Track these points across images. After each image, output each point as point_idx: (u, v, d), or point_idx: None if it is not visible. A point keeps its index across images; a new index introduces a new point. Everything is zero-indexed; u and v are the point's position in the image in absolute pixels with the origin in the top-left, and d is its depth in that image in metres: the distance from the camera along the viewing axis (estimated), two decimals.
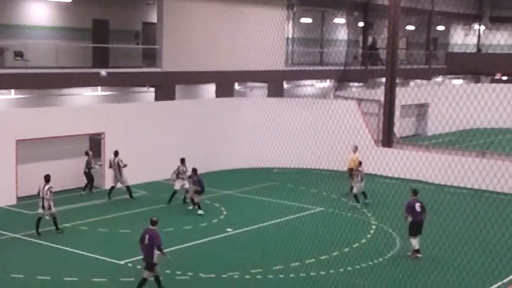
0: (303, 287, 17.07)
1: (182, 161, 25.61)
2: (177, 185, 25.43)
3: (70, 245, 19.86)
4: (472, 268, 18.01)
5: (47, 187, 21.11)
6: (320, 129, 30.93)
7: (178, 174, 25.46)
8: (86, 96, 31.37)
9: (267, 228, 22.46)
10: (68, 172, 27.00)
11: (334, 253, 19.59)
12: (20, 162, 25.05)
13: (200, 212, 23.93)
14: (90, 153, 26.90)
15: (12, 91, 28.30)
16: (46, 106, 28.03)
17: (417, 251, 19.34)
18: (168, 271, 17.67)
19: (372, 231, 22.32)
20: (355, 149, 28.36)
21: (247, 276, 17.58)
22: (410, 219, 19.50)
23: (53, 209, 21.19)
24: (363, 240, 21.18)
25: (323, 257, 19.20)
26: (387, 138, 33.10)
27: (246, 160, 31.63)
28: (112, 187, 26.19)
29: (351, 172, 27.27)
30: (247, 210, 24.73)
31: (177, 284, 17.06)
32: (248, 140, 30.73)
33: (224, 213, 24.36)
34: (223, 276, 17.57)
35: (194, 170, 24.41)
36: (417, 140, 40.51)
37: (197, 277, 17.46)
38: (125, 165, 26.05)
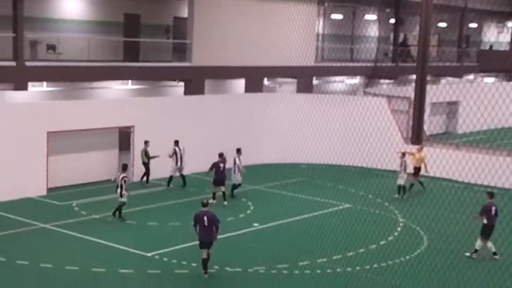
0: (329, 284, 17.05)
1: (238, 151, 26.22)
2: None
3: (99, 236, 20.06)
4: (501, 267, 17.81)
5: (121, 175, 21.89)
6: (349, 126, 30.75)
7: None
8: (116, 89, 31.64)
9: (294, 223, 22.45)
10: (97, 165, 27.27)
11: (361, 250, 19.52)
12: (50, 154, 25.36)
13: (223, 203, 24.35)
14: (148, 142, 27.23)
15: (44, 83, 28.66)
16: (77, 99, 28.38)
17: (476, 251, 19.37)
18: (194, 264, 17.76)
19: (399, 229, 22.19)
20: (421, 148, 28.57)
21: (273, 271, 17.60)
22: (485, 221, 19.44)
23: (124, 198, 21.92)
24: (390, 238, 21.06)
25: (349, 254, 19.14)
26: (417, 136, 32.82)
27: (274, 155, 31.64)
28: (171, 177, 26.94)
29: (417, 171, 27.66)
30: (274, 205, 24.72)
31: (202, 276, 17.11)
32: (277, 135, 30.70)
33: (251, 207, 24.40)
34: (249, 270, 17.61)
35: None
36: (447, 138, 40.10)
37: (223, 271, 17.53)
38: (156, 156, 26.56)
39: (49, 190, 25.30)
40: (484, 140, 38.44)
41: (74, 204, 23.85)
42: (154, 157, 27.06)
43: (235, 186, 25.90)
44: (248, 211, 23.93)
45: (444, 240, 20.55)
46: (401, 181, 26.63)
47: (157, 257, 18.48)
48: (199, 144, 28.91)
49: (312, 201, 25.41)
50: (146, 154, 27.19)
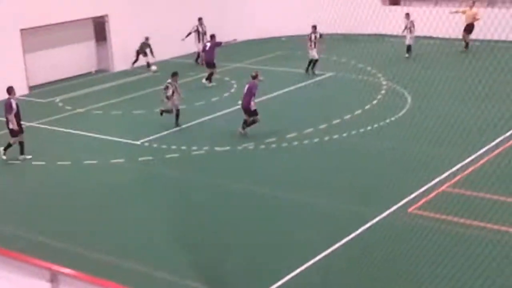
0: (317, 152, 17.38)
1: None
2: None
3: (86, 129, 20.15)
4: (478, 121, 18.09)
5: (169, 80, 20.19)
6: None
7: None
8: None
9: (277, 97, 22.57)
10: (75, 58, 26.98)
11: (346, 117, 19.75)
12: (26, 51, 24.98)
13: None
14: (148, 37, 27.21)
15: None
16: None
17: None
18: (183, 147, 18.00)
19: (383, 92, 22.35)
20: (472, 4, 28.18)
21: (261, 146, 17.88)
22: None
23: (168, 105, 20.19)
24: (375, 101, 21.26)
25: (335, 121, 19.38)
26: None
27: (249, 31, 31.22)
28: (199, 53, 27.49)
29: (470, 28, 27.62)
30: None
31: (193, 158, 17.41)
32: (254, 10, 30.25)
33: (235, 86, 24.41)
34: (238, 148, 17.88)
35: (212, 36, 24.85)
36: None
37: (212, 151, 17.79)
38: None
39: (31, 88, 25.18)
40: None
41: (57, 100, 23.80)
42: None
43: (312, 62, 25.48)
44: (232, 90, 23.96)
45: (428, 98, 20.72)
46: (409, 42, 27.03)
47: (146, 144, 18.67)
48: (179, 27, 28.45)
49: (295, 73, 25.41)
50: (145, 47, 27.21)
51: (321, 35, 25.07)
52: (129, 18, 27.50)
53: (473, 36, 28.11)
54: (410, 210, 13.58)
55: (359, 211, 13.51)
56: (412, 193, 14.18)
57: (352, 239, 12.51)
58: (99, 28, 27.84)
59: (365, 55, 26.82)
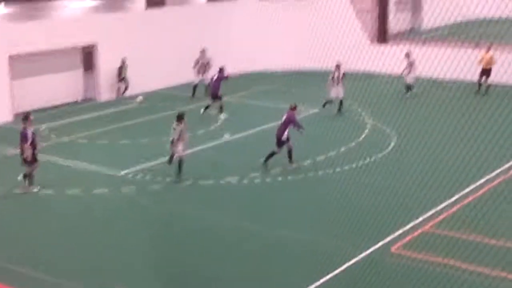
0: (302, 188, 17.35)
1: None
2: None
3: (71, 158, 20.03)
4: (462, 162, 18.14)
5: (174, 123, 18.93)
6: (312, 29, 30.43)
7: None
8: (75, 8, 30.75)
9: (263, 132, 22.57)
10: (62, 86, 26.92)
11: (331, 154, 19.77)
12: (14, 78, 24.91)
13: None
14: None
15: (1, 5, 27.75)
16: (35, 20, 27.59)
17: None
18: (168, 179, 17.91)
19: (367, 130, 22.43)
20: (488, 48, 27.81)
21: (245, 181, 17.82)
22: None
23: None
24: (359, 139, 21.32)
25: (320, 158, 19.38)
26: (382, 35, 32.71)
27: (240, 65, 31.34)
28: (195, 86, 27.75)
29: (488, 73, 27.31)
30: (244, 116, 24.79)
31: (177, 191, 17.32)
32: (243, 44, 30.42)
33: (221, 119, 24.39)
34: (221, 182, 17.80)
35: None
36: (413, 35, 39.96)
37: (196, 184, 17.71)
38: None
39: (16, 115, 25.00)
40: (450, 34, 38.43)
41: (42, 128, 23.64)
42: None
43: (339, 102, 24.95)
44: (218, 123, 23.95)
45: (414, 137, 20.78)
46: (409, 81, 27.21)
47: (130, 175, 18.55)
48: (165, 57, 28.57)
49: (278, 109, 25.36)
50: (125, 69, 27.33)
51: (344, 74, 24.91)
52: (118, 47, 27.54)
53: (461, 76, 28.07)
54: (393, 249, 13.54)
55: (342, 248, 13.44)
56: (395, 231, 14.16)
57: (335, 275, 12.44)
58: (87, 57, 27.84)
59: (352, 92, 26.97)
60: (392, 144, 20.68)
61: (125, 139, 22.06)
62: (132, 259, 13.52)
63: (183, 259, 13.46)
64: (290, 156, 18.75)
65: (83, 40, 27.08)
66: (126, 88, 27.94)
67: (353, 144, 20.75)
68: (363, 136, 21.72)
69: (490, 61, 27.46)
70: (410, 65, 27.07)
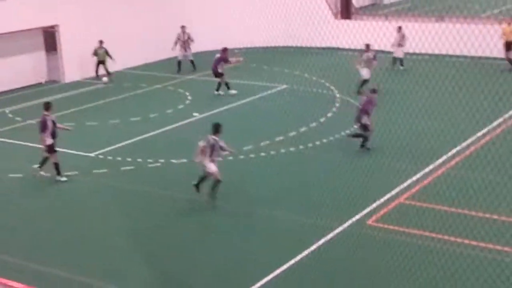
0: (274, 164, 17.36)
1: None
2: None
3: (38, 141, 19.59)
4: (435, 134, 18.40)
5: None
6: (277, 4, 30.35)
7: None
8: None
9: (233, 109, 22.53)
10: (25, 68, 26.42)
11: (302, 129, 19.81)
12: None
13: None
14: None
15: None
16: None
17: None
18: (139, 160, 17.77)
19: (337, 105, 22.52)
20: (511, 21, 27.03)
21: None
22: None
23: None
24: (329, 114, 21.40)
25: (291, 134, 19.41)
26: (346, 10, 32.77)
27: (206, 43, 31.12)
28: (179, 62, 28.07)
29: (509, 46, 26.51)
30: (211, 94, 24.65)
31: (150, 171, 17.20)
32: (208, 22, 30.20)
33: (189, 98, 24.27)
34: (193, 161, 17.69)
35: None
36: (375, 9, 40.18)
37: (169, 163, 17.60)
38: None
39: None
40: (411, 8, 38.75)
41: (7, 111, 23.24)
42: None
43: (362, 82, 23.63)
44: (187, 102, 23.81)
45: (385, 111, 20.94)
46: (400, 55, 27.14)
47: (101, 156, 18.35)
48: (130, 37, 28.20)
49: (249, 85, 25.40)
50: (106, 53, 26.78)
51: (375, 57, 24.43)
52: (81, 27, 27.07)
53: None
54: (369, 221, 13.67)
55: (318, 224, 13.51)
56: (371, 205, 14.29)
57: (312, 251, 12.52)
58: (50, 38, 27.32)
59: (319, 68, 27.04)
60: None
61: (92, 120, 21.79)
62: (108, 242, 13.41)
63: (158, 240, 13.40)
64: (360, 138, 18.04)
65: (44, 21, 26.54)
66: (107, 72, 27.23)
67: (324, 119, 20.82)
68: (333, 110, 21.79)
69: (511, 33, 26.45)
70: (401, 38, 27.02)
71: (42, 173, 16.94)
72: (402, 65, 27.29)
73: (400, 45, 27.07)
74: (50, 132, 16.63)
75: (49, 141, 16.61)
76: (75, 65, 27.28)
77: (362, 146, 17.95)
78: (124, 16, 28.82)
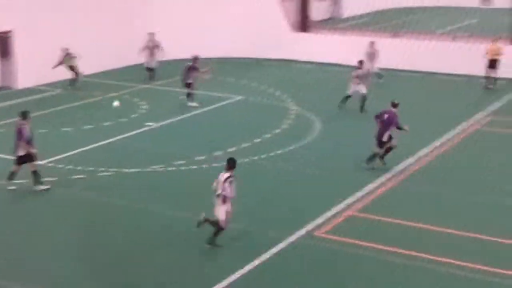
0: None
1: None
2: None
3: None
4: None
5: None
6: (236, 16, 30.49)
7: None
8: None
9: (187, 120, 22.43)
10: None
11: (256, 140, 19.83)
12: None
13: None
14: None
15: None
16: None
17: None
18: (91, 168, 17.54)
19: (292, 117, 22.61)
20: (496, 39, 26.83)
21: (170, 168, 17.64)
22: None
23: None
24: (284, 126, 21.47)
25: (245, 145, 19.39)
26: (303, 23, 33.01)
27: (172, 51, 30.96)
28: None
29: (494, 64, 26.28)
30: (166, 103, 24.52)
31: (101, 180, 16.96)
32: (166, 31, 30.05)
33: (144, 107, 24.08)
34: (147, 170, 17.56)
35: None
36: (333, 23, 40.58)
37: (121, 173, 17.41)
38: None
39: None
40: (367, 23, 39.25)
41: None
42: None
43: (363, 99, 22.75)
44: (141, 111, 23.61)
45: (338, 123, 21.17)
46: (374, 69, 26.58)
47: (51, 164, 18.06)
48: (87, 44, 27.83)
49: (204, 96, 25.30)
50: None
51: (379, 76, 24.19)
52: (35, 33, 26.62)
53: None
54: (317, 233, 13.70)
55: (267, 235, 13.50)
56: (320, 216, 14.35)
57: (261, 262, 12.49)
58: (3, 44, 26.84)
59: (275, 80, 27.19)
60: (317, 130, 20.92)
61: (44, 127, 21.41)
62: (53, 250, 13.19)
63: (106, 248, 13.22)
64: (384, 154, 17.27)
65: None
66: (74, 79, 26.80)
67: (278, 130, 20.88)
68: (288, 122, 21.87)
69: (496, 52, 26.30)
70: (373, 53, 26.56)
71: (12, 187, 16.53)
72: (379, 77, 26.96)
73: (372, 59, 26.62)
74: (25, 142, 16.26)
75: (22, 152, 16.26)
76: (29, 71, 26.81)
77: (382, 158, 17.32)
78: (82, 22, 28.44)
